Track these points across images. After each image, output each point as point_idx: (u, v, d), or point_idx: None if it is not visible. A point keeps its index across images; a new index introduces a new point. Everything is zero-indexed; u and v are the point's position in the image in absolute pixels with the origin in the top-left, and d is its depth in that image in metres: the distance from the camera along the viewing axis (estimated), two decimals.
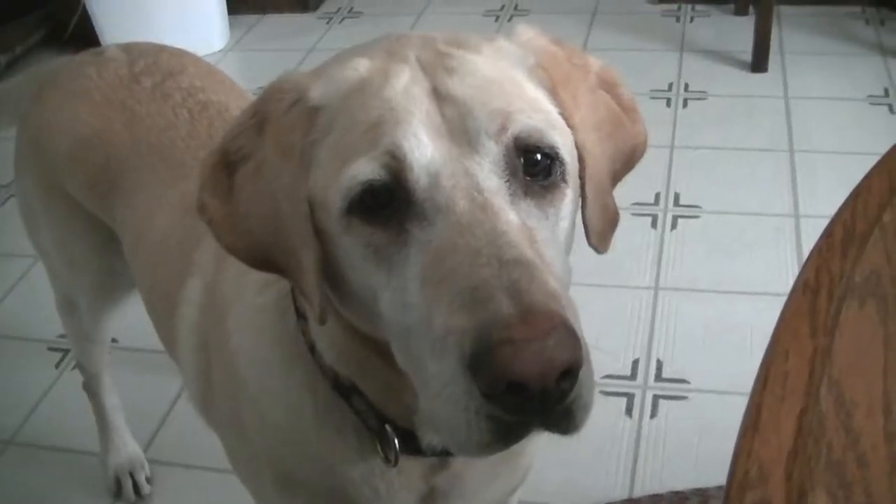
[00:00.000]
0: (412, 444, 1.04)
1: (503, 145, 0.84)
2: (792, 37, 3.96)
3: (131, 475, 2.22)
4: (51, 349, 2.65)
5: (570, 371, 0.73)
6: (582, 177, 0.92)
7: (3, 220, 3.17)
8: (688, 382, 2.33)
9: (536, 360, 0.70)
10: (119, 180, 1.55)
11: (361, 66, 0.89)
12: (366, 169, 0.82)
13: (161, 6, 4.03)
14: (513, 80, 0.90)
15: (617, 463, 2.16)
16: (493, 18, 4.30)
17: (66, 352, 2.58)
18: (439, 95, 0.85)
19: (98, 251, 1.74)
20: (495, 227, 0.78)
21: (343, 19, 4.51)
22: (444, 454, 1.07)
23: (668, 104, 3.52)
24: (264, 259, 0.92)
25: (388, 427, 1.04)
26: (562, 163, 0.87)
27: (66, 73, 1.69)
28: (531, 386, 0.70)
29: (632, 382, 2.35)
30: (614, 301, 2.59)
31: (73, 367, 2.45)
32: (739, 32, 3.97)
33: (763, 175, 3.10)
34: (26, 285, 2.89)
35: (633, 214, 2.91)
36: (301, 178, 0.86)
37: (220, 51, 4.26)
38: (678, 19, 4.20)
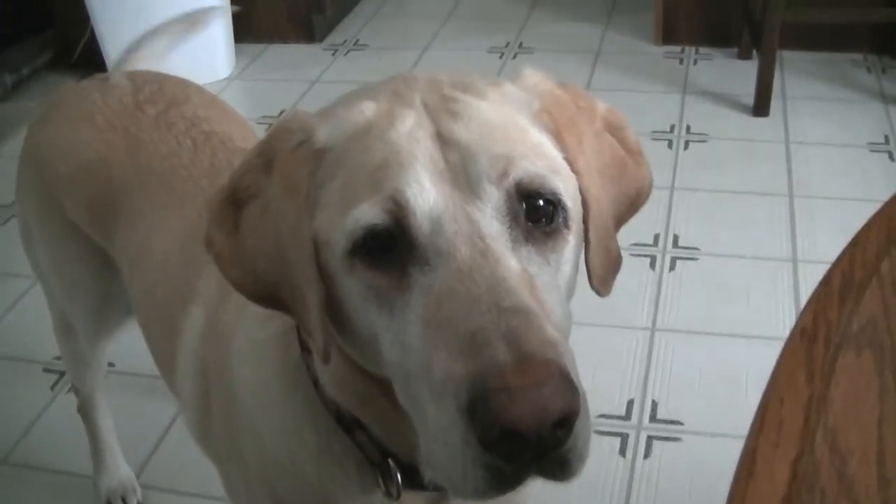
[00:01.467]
0: (414, 478, 1.03)
1: (504, 191, 0.84)
2: (794, 82, 3.98)
3: (123, 499, 2.21)
4: (46, 371, 2.65)
5: (566, 420, 0.73)
6: (585, 221, 0.92)
7: (3, 240, 3.18)
8: (682, 424, 2.34)
9: (532, 408, 0.70)
10: (119, 205, 1.56)
11: (368, 109, 0.90)
12: (369, 213, 0.83)
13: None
14: (517, 125, 0.91)
15: (610, 502, 2.15)
16: (498, 55, 4.33)
17: (61, 374, 2.58)
18: (443, 139, 0.86)
19: (94, 276, 1.75)
20: (495, 274, 0.79)
21: (349, 51, 4.53)
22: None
23: (670, 146, 3.54)
24: (268, 295, 0.93)
25: (390, 461, 1.03)
26: (564, 208, 0.88)
27: (71, 98, 1.70)
28: (526, 433, 0.71)
29: (626, 422, 2.35)
30: (611, 341, 2.60)
31: (69, 390, 2.45)
32: (742, 76, 3.99)
33: (762, 219, 3.12)
34: (24, 306, 2.89)
35: (632, 255, 2.92)
36: (306, 218, 0.87)
37: (225, 79, 4.28)
38: (681, 61, 4.23)
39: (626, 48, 4.36)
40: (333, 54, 4.51)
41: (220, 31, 4.27)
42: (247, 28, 4.53)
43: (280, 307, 0.93)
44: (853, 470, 0.58)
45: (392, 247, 0.83)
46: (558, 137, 0.93)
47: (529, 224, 0.85)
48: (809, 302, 0.71)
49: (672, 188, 3.26)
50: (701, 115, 3.77)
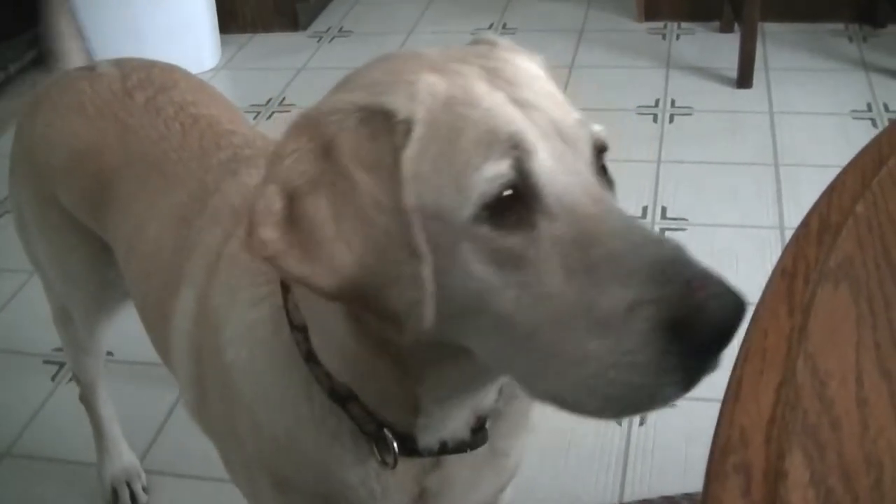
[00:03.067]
0: (408, 447, 1.07)
1: (590, 146, 0.91)
2: (776, 53, 4.01)
3: (128, 485, 2.23)
4: (46, 362, 2.67)
5: None
6: None
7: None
8: None
9: (735, 305, 0.77)
10: (112, 192, 1.57)
11: (436, 83, 0.90)
12: (496, 171, 0.84)
13: (153, 25, 4.07)
14: (555, 88, 0.96)
15: (607, 470, 2.19)
16: None
17: (61, 365, 2.60)
18: (519, 104, 0.89)
19: (91, 263, 1.76)
20: (623, 214, 0.84)
21: (333, 38, 4.55)
22: (441, 454, 1.11)
23: (655, 120, 3.57)
24: (349, 285, 0.87)
25: (386, 431, 1.06)
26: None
27: (60, 88, 1.71)
28: (735, 327, 0.76)
29: None
30: None
31: (69, 380, 2.47)
32: (724, 49, 4.02)
33: (748, 188, 3.15)
34: (22, 299, 2.91)
35: None
36: (397, 191, 0.86)
37: (211, 69, 4.30)
38: (664, 37, 4.26)
39: (610, 26, 4.38)
40: (318, 41, 4.53)
41: (205, 21, 4.28)
42: (231, 18, 4.55)
43: (358, 294, 0.88)
44: (833, 392, 0.61)
45: (514, 206, 0.85)
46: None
47: (602, 176, 0.92)
48: (789, 244, 0.75)
49: (658, 161, 3.29)
50: (685, 88, 3.80)
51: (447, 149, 0.86)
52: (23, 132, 1.75)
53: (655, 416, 2.29)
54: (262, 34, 4.63)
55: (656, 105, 3.67)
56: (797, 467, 0.57)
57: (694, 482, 2.09)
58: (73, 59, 1.91)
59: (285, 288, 1.08)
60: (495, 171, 0.83)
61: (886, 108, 3.52)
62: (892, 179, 0.82)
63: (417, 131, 0.87)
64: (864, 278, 0.71)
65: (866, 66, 3.85)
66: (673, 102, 3.69)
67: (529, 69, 0.96)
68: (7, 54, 4.27)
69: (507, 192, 0.84)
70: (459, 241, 0.85)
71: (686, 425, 2.25)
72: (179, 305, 1.33)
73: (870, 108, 3.54)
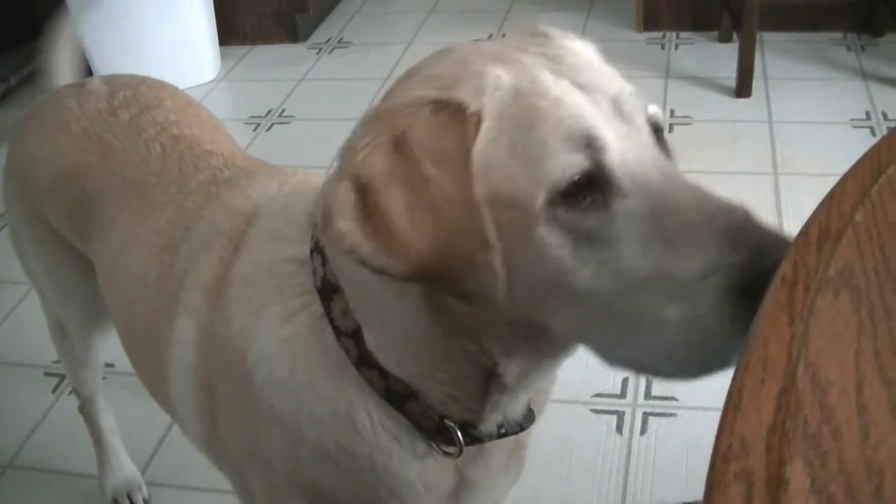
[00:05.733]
0: (469, 435, 1.11)
1: (648, 122, 0.95)
2: (775, 62, 4.03)
3: (129, 497, 2.24)
4: (47, 374, 2.68)
5: None
6: None
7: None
8: (676, 400, 2.37)
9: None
10: (94, 214, 1.56)
11: (502, 76, 0.93)
12: (570, 159, 0.88)
13: (153, 38, 4.08)
14: (610, 69, 1.01)
15: (608, 479, 2.19)
16: None
17: (62, 377, 2.61)
18: (582, 87, 0.93)
19: (82, 279, 1.76)
20: (690, 185, 0.89)
21: (333, 49, 4.57)
22: (499, 437, 1.14)
23: None
24: (426, 271, 0.90)
25: (447, 422, 1.10)
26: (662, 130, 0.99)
27: (49, 105, 1.71)
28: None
29: (622, 400, 2.38)
30: None
31: (70, 392, 2.48)
32: (723, 59, 4.04)
33: (748, 197, 3.07)
34: (22, 312, 2.92)
35: None
36: (468, 183, 0.88)
37: (211, 81, 4.31)
38: (663, 47, 4.27)
39: (609, 35, 4.39)
40: (318, 53, 4.54)
41: (205, 34, 4.30)
42: (231, 30, 4.56)
43: (434, 279, 0.92)
44: (833, 400, 0.61)
45: (587, 190, 0.88)
46: None
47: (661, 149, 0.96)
48: (788, 252, 0.75)
49: None
50: (684, 98, 3.81)
51: (520, 139, 0.89)
52: (14, 148, 1.74)
53: (656, 426, 2.30)
54: (262, 46, 4.64)
55: None
56: (798, 475, 0.57)
57: (695, 491, 2.09)
58: (64, 74, 1.91)
59: (325, 297, 1.08)
60: (570, 162, 0.88)
61: (885, 117, 3.53)
62: (891, 187, 0.83)
63: (487, 123, 0.90)
64: (864, 287, 0.71)
65: (865, 75, 3.86)
66: (672, 112, 3.70)
67: (586, 53, 1.02)
68: (7, 66, 4.29)
69: (586, 172, 0.88)
70: (535, 227, 0.88)
71: (687, 435, 2.26)
72: (177, 338, 1.31)
73: (868, 117, 3.55)
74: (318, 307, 1.09)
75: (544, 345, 1.03)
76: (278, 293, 1.13)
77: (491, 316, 0.96)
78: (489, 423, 1.12)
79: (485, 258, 0.89)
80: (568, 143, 0.88)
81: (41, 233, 1.73)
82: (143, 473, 2.31)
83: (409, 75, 1.01)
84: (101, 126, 1.60)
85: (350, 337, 1.08)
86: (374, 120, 0.94)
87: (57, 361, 2.39)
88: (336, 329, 1.08)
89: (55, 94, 1.74)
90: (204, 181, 1.45)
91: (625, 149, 0.90)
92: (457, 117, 0.90)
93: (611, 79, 0.97)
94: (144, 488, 2.27)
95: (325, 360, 1.10)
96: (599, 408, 2.36)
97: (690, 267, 0.84)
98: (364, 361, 1.08)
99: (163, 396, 1.43)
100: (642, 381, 2.43)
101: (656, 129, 0.97)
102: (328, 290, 1.08)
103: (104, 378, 2.25)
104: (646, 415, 2.34)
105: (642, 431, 2.30)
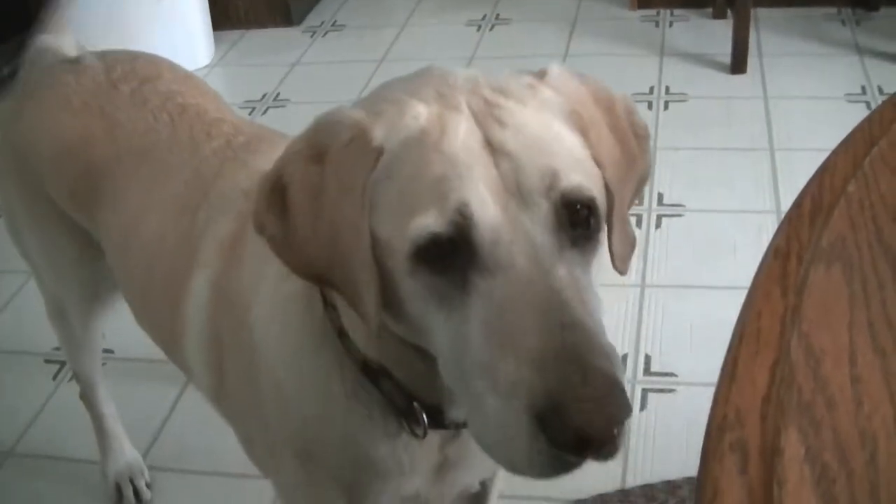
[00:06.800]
0: (435, 419, 1.12)
1: (552, 202, 0.90)
2: (770, 38, 4.02)
3: (131, 481, 2.24)
4: (47, 361, 2.68)
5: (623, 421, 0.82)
6: (609, 209, 0.99)
7: None
8: (675, 376, 2.38)
9: (600, 418, 0.79)
10: (101, 185, 1.57)
11: (420, 115, 0.93)
12: (434, 223, 0.87)
13: (146, 24, 4.07)
14: (556, 134, 0.96)
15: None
16: (476, 28, 4.36)
17: (62, 364, 2.61)
18: (493, 148, 0.91)
19: (81, 256, 1.78)
20: (551, 286, 0.86)
21: (327, 33, 4.55)
22: (466, 426, 1.14)
23: (650, 107, 3.57)
24: (320, 277, 0.99)
25: (416, 405, 1.11)
26: (597, 213, 0.94)
27: (44, 82, 1.71)
28: (595, 438, 0.79)
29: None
30: (602, 299, 2.63)
31: (70, 379, 2.48)
32: (718, 36, 4.03)
33: (744, 174, 3.16)
34: (22, 299, 2.92)
35: None
36: (363, 213, 0.92)
37: (205, 66, 4.29)
38: (657, 24, 4.26)
39: (603, 14, 4.38)
40: (312, 36, 4.53)
41: (198, 19, 4.28)
42: (224, 15, 4.54)
43: (332, 287, 0.99)
44: (827, 370, 0.62)
45: (452, 253, 0.88)
46: (585, 135, 0.98)
47: (571, 230, 0.91)
48: (782, 225, 0.76)
49: (654, 148, 3.29)
50: (679, 75, 3.80)
51: (405, 185, 0.91)
52: (9, 127, 1.74)
53: (655, 402, 2.31)
54: (256, 30, 4.62)
55: (651, 92, 3.67)
56: (793, 444, 0.58)
57: (695, 467, 2.09)
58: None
59: None
60: (434, 225, 0.87)
61: (881, 91, 3.53)
62: (883, 160, 0.83)
63: (385, 160, 0.93)
64: (856, 258, 0.71)
65: (860, 50, 3.85)
66: (667, 89, 3.70)
67: (533, 112, 0.96)
68: (1, 56, 4.27)
69: (448, 239, 0.87)
70: (402, 273, 0.91)
71: (686, 410, 2.26)
72: (192, 291, 1.35)
73: (864, 92, 3.55)
74: None
75: None
76: None
77: (374, 329, 0.98)
78: (452, 412, 1.12)
79: (362, 284, 0.93)
80: (438, 205, 0.88)
81: (40, 210, 1.74)
82: (144, 458, 2.31)
83: (379, 88, 1.03)
84: (103, 99, 1.62)
85: (334, 308, 1.11)
86: (312, 128, 1.00)
87: (57, 348, 2.39)
88: (323, 298, 1.12)
89: (48, 72, 1.74)
90: (218, 147, 1.49)
91: (502, 227, 0.88)
92: (364, 149, 0.93)
93: (538, 149, 0.93)
94: (146, 473, 2.28)
95: (312, 325, 1.14)
96: None
97: (508, 372, 0.84)
98: (345, 333, 1.11)
99: (178, 354, 1.47)
100: (641, 357, 2.44)
101: (570, 206, 0.91)
102: None
103: (104, 364, 2.26)
104: (645, 391, 2.34)
105: (642, 407, 2.30)
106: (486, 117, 0.93)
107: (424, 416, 1.11)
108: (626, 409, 0.81)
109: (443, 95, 0.96)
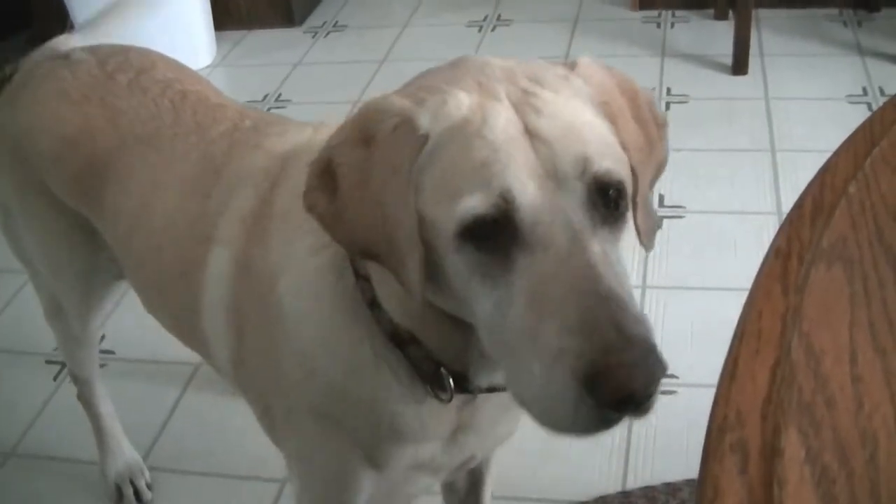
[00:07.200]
0: (460, 385, 1.19)
1: (585, 184, 0.97)
2: (771, 39, 4.02)
3: (132, 482, 2.24)
4: (48, 362, 2.68)
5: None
6: (634, 191, 1.06)
7: None
8: (677, 377, 2.37)
9: (641, 379, 0.87)
10: (106, 173, 1.59)
11: (462, 104, 0.99)
12: (479, 205, 0.94)
13: (147, 24, 4.06)
14: (588, 121, 1.02)
15: (610, 457, 2.20)
16: (477, 29, 4.35)
17: (63, 364, 2.60)
18: (531, 135, 0.97)
19: (79, 249, 1.79)
20: (588, 261, 0.92)
21: (328, 33, 4.55)
22: (488, 391, 1.21)
23: None
24: (366, 251, 1.06)
25: (443, 371, 1.17)
26: (625, 194, 1.01)
27: (37, 77, 1.72)
28: (636, 397, 0.88)
29: None
30: None
31: (71, 379, 2.49)
32: (719, 36, 4.03)
33: (746, 175, 3.15)
34: (22, 300, 2.92)
35: None
36: (409, 193, 0.99)
37: (207, 66, 4.30)
38: (659, 25, 4.26)
39: (604, 15, 4.38)
40: (314, 36, 4.53)
41: (200, 19, 4.28)
42: (226, 14, 4.55)
43: (377, 261, 1.06)
44: (827, 369, 0.62)
45: (496, 232, 0.94)
46: (613, 123, 1.05)
47: (602, 210, 0.98)
48: (783, 225, 0.76)
49: None
50: (681, 76, 3.80)
51: (449, 169, 0.97)
52: (3, 123, 1.75)
53: (657, 404, 2.29)
54: (258, 30, 4.63)
55: (652, 93, 3.67)
56: (793, 444, 0.58)
57: (696, 469, 2.09)
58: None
59: None
60: (479, 207, 0.94)
61: (882, 92, 3.53)
62: (884, 160, 0.83)
63: (429, 146, 0.99)
64: (857, 258, 0.71)
65: (861, 51, 3.85)
66: (669, 90, 3.70)
67: (566, 101, 1.03)
68: (3, 56, 4.27)
69: (492, 220, 0.94)
70: (448, 251, 0.98)
71: (688, 412, 2.25)
72: (210, 266, 1.39)
73: (865, 93, 3.55)
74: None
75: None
76: (310, 226, 1.21)
77: (419, 303, 1.04)
78: (479, 378, 1.19)
79: (408, 258, 1.00)
80: (482, 189, 0.94)
81: (37, 205, 1.74)
82: (145, 459, 2.31)
83: (416, 78, 1.10)
84: (102, 90, 1.64)
85: (367, 279, 1.17)
86: (359, 115, 1.06)
87: (58, 349, 2.40)
88: (355, 271, 1.18)
89: (40, 68, 1.75)
90: (226, 130, 1.53)
91: (542, 207, 0.94)
92: (410, 135, 0.99)
93: (574, 134, 0.99)
94: (147, 473, 2.28)
95: (343, 297, 1.20)
96: None
97: (552, 340, 0.90)
98: (376, 303, 1.17)
99: (192, 331, 1.50)
100: None
101: (603, 188, 0.98)
102: None
103: (105, 365, 2.26)
104: None
105: None
106: (524, 105, 0.99)
107: (451, 381, 1.18)
108: (662, 369, 0.89)
109: (482, 85, 1.02)
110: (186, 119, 1.57)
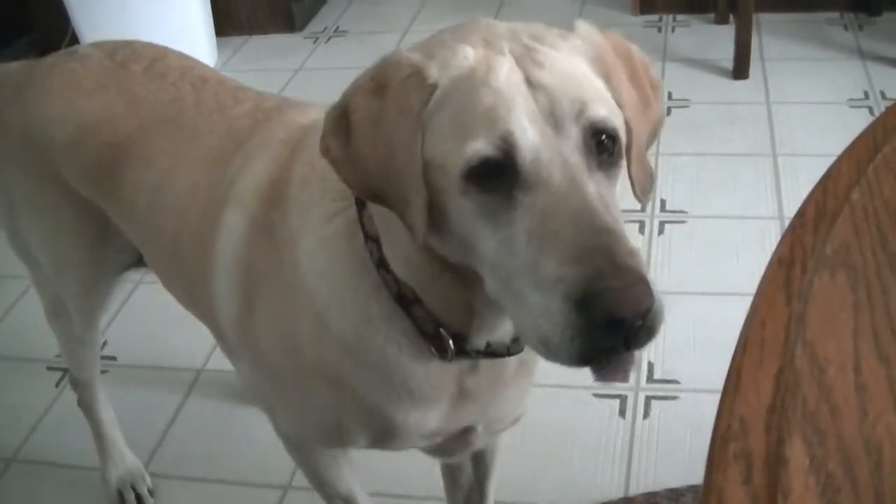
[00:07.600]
0: (459, 346, 1.25)
1: (581, 128, 1.04)
2: (772, 43, 4.02)
3: (133, 488, 2.24)
4: (50, 368, 2.68)
5: (649, 309, 0.94)
6: (628, 145, 1.13)
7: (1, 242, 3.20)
8: (678, 383, 2.38)
9: (629, 302, 0.92)
10: (128, 155, 1.62)
11: (469, 56, 1.07)
12: (484, 148, 1.00)
13: (149, 29, 4.05)
14: (584, 73, 1.10)
15: (612, 463, 2.19)
16: None
17: (65, 371, 2.60)
18: (531, 84, 1.04)
19: (84, 243, 1.81)
20: (584, 198, 0.99)
21: (329, 38, 4.56)
22: (486, 355, 1.28)
23: None
24: (374, 193, 1.12)
25: (442, 330, 1.24)
26: (619, 141, 1.08)
27: (45, 73, 1.74)
28: (625, 320, 0.92)
29: (624, 384, 2.38)
30: None
31: (71, 386, 2.48)
32: (720, 41, 4.03)
33: (747, 179, 3.15)
34: (24, 306, 2.92)
35: None
36: (416, 137, 1.05)
37: None
38: (660, 30, 4.26)
39: (605, 19, 4.35)
40: (314, 42, 4.53)
41: (201, 25, 4.28)
42: (227, 20, 4.55)
43: (384, 203, 1.12)
44: (831, 378, 0.62)
45: (499, 174, 1.01)
46: (607, 80, 1.12)
47: (597, 155, 1.05)
48: (785, 233, 0.75)
49: (657, 154, 3.29)
50: (682, 81, 3.80)
51: (457, 115, 1.04)
52: (12, 117, 1.76)
53: (659, 409, 2.30)
54: (259, 36, 4.63)
55: None
56: (797, 454, 0.58)
57: (698, 474, 2.08)
58: None
59: (361, 203, 1.25)
60: (484, 149, 1.00)
61: (883, 96, 3.53)
62: (887, 166, 0.83)
63: (438, 94, 1.06)
64: (860, 265, 0.71)
65: (862, 55, 3.85)
66: (670, 95, 3.70)
67: (565, 56, 1.10)
68: (1, 61, 4.27)
69: (496, 162, 1.00)
70: (454, 192, 1.04)
71: (690, 418, 2.26)
72: (225, 225, 1.44)
73: (867, 97, 3.55)
74: (353, 212, 1.26)
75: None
76: (324, 195, 1.30)
77: (422, 246, 1.11)
78: (475, 340, 1.25)
79: (413, 199, 1.06)
80: (487, 133, 1.01)
81: (48, 196, 1.76)
82: (147, 465, 2.31)
83: (432, 35, 1.16)
84: (117, 79, 1.68)
85: (375, 241, 1.23)
86: (375, 67, 1.13)
87: (59, 355, 2.40)
88: (365, 234, 1.25)
89: (45, 63, 1.77)
90: (249, 109, 1.60)
91: (541, 149, 1.01)
92: (421, 83, 1.06)
93: (571, 83, 1.06)
94: (148, 479, 2.28)
95: (354, 258, 1.26)
96: (602, 392, 2.36)
97: (550, 270, 0.96)
98: (383, 265, 1.23)
99: (202, 293, 1.54)
100: (644, 364, 2.43)
101: (598, 134, 1.05)
102: (361, 200, 1.25)
103: (107, 372, 2.26)
104: (648, 398, 2.34)
105: (645, 415, 2.30)
106: (525, 59, 1.06)
107: (451, 341, 1.23)
108: (651, 297, 0.93)
109: (488, 41, 1.09)
110: (208, 100, 1.62)
